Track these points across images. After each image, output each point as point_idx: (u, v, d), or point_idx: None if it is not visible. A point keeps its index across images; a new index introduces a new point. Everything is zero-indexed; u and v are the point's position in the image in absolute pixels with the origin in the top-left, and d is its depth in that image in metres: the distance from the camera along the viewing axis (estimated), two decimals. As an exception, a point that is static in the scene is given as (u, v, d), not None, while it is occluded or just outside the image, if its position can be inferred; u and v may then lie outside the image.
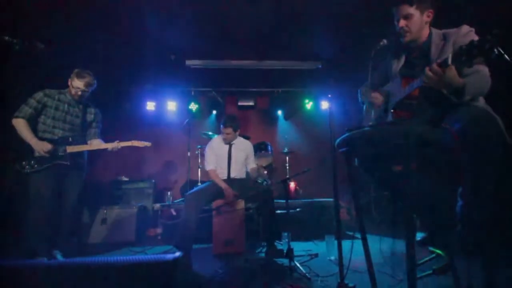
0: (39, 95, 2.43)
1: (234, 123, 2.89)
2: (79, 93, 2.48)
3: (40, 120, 2.44)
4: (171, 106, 5.14)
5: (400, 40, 1.60)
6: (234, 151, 2.97)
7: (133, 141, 2.64)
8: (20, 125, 2.36)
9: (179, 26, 3.47)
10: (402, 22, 1.53)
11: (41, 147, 2.33)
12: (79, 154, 2.54)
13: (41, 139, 2.38)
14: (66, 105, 2.51)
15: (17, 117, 2.37)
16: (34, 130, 2.41)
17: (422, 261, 1.47)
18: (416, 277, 1.11)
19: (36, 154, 2.35)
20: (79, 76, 2.46)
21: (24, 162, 2.34)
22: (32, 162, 2.34)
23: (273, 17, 3.32)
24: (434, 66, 1.23)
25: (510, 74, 1.13)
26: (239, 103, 5.33)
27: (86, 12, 3.14)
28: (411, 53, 1.63)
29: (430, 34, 1.54)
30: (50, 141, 2.40)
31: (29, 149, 2.34)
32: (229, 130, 2.87)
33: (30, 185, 2.33)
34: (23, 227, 2.32)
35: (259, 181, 3.37)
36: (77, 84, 2.45)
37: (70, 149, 2.45)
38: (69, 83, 2.49)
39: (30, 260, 2.11)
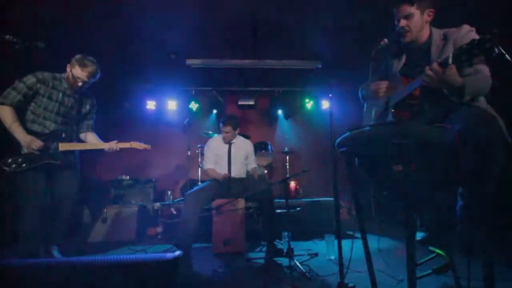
0: (30, 80, 2.09)
1: (233, 121, 2.89)
2: (80, 84, 2.18)
3: (29, 108, 2.11)
4: (171, 105, 5.14)
5: (401, 40, 1.60)
6: (233, 151, 2.97)
7: (132, 143, 2.42)
8: (5, 113, 2.02)
9: (179, 25, 3.47)
10: (403, 22, 1.53)
11: (30, 143, 2.01)
12: (71, 151, 2.27)
13: (29, 131, 2.07)
14: (60, 94, 2.19)
15: (2, 103, 2.02)
16: (21, 119, 2.08)
17: (422, 261, 1.47)
18: (416, 277, 1.11)
19: (24, 150, 2.04)
20: (81, 64, 2.15)
21: (10, 160, 2.01)
22: (20, 160, 2.02)
23: (273, 16, 3.32)
24: (434, 65, 1.23)
25: (510, 73, 1.12)
26: (239, 103, 5.32)
27: (86, 11, 3.14)
28: (412, 53, 1.63)
29: (430, 34, 1.54)
30: (39, 135, 2.09)
31: (14, 143, 2.03)
32: (228, 128, 2.87)
33: (19, 187, 2.08)
34: (16, 228, 2.10)
35: (264, 180, 3.31)
36: (79, 73, 2.16)
37: (63, 146, 2.16)
38: (68, 69, 2.18)
39: (28, 259, 2.09)
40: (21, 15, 2.97)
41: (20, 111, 2.10)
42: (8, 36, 1.92)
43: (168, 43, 3.80)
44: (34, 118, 2.13)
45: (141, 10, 3.17)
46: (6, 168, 2.02)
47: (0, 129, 2.05)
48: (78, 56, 2.20)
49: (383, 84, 1.62)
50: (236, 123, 2.92)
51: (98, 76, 2.27)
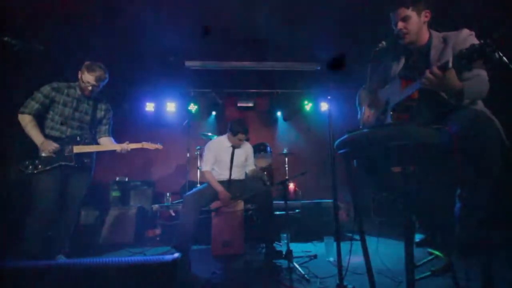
0: (46, 89, 2.26)
1: (246, 128, 2.87)
2: (89, 88, 2.30)
3: (48, 116, 2.28)
4: (171, 107, 5.15)
5: (399, 42, 1.61)
6: (236, 154, 2.96)
7: (143, 143, 2.50)
8: (26, 121, 2.20)
9: (178, 27, 3.48)
10: (401, 24, 1.54)
11: (47, 147, 2.17)
12: (87, 153, 2.38)
13: (48, 136, 2.24)
14: (75, 101, 2.34)
15: (22, 112, 2.21)
16: (41, 126, 2.25)
17: (421, 262, 1.47)
18: (415, 278, 1.11)
19: (41, 153, 2.19)
20: (89, 69, 2.27)
21: (27, 162, 2.17)
22: (36, 162, 2.18)
23: (272, 18, 3.33)
24: (435, 68, 1.23)
25: (509, 77, 1.13)
26: (239, 104, 5.33)
27: (85, 12, 3.14)
28: (411, 55, 1.64)
29: (430, 37, 1.55)
30: (57, 139, 2.24)
31: (32, 148, 2.18)
32: (243, 136, 2.85)
33: (33, 187, 2.18)
34: (23, 229, 2.17)
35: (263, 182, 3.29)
36: (87, 78, 2.27)
37: (77, 149, 2.29)
38: (79, 76, 2.31)
39: (29, 261, 2.08)
40: (20, 16, 2.97)
41: (42, 120, 2.27)
42: (7, 38, 1.93)
43: (167, 44, 3.81)
44: (53, 125, 2.28)
45: (140, 12, 3.18)
46: (24, 170, 2.17)
47: (18, 136, 2.23)
48: (86, 62, 2.32)
49: (371, 115, 1.71)
50: (248, 129, 2.92)
51: (106, 80, 2.39)
